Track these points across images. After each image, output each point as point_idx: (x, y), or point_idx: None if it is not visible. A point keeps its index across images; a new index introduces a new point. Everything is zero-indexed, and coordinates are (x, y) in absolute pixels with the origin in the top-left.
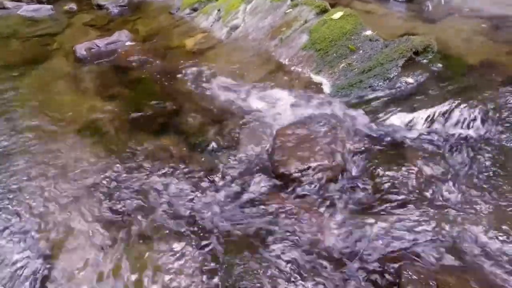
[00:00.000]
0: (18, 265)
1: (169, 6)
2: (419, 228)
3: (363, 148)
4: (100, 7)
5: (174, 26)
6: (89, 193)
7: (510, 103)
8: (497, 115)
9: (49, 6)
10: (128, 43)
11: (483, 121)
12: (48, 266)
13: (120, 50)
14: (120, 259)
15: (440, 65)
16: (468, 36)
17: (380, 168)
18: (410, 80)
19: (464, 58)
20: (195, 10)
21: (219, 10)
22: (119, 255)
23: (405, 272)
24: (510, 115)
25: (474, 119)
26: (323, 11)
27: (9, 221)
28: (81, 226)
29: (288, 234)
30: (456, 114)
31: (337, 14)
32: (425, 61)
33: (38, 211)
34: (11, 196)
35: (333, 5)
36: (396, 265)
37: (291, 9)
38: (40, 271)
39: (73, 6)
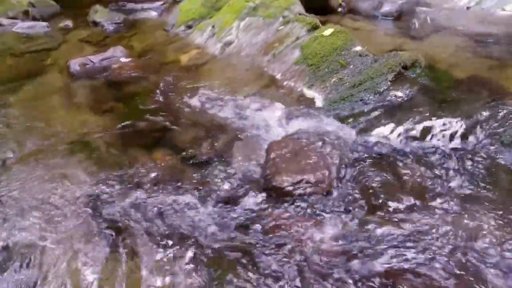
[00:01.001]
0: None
1: (164, 23)
2: (412, 241)
3: (355, 160)
4: (95, 24)
5: (169, 42)
6: (80, 208)
7: (495, 115)
8: (484, 126)
9: (44, 23)
10: (123, 59)
11: (470, 133)
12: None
13: (114, 66)
14: (109, 277)
15: (428, 79)
16: (454, 52)
17: (372, 180)
18: (399, 93)
19: (451, 73)
20: (189, 27)
21: (213, 26)
22: (109, 272)
23: (400, 287)
24: (496, 126)
25: (461, 131)
26: (314, 28)
27: None
28: (69, 242)
29: (280, 248)
30: (444, 126)
31: (328, 31)
32: (413, 75)
33: (26, 227)
34: None
35: (323, 23)
36: (391, 281)
37: (283, 26)
38: None
39: (69, 23)
